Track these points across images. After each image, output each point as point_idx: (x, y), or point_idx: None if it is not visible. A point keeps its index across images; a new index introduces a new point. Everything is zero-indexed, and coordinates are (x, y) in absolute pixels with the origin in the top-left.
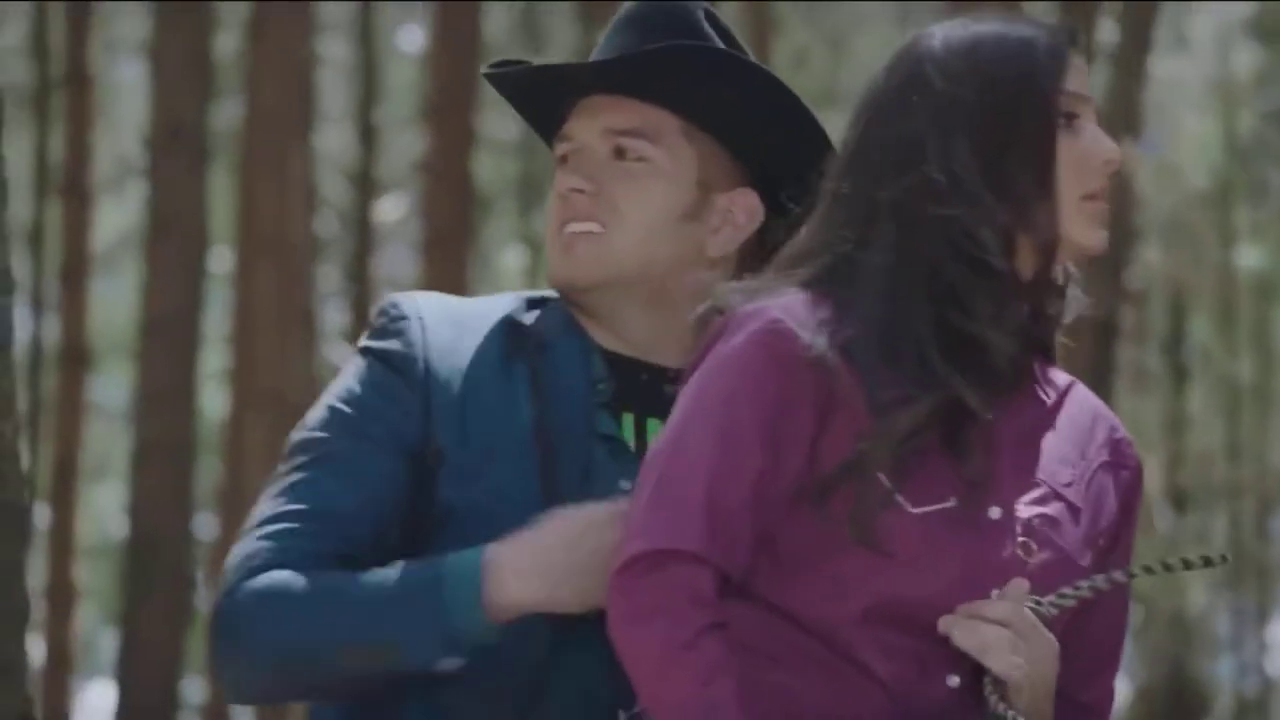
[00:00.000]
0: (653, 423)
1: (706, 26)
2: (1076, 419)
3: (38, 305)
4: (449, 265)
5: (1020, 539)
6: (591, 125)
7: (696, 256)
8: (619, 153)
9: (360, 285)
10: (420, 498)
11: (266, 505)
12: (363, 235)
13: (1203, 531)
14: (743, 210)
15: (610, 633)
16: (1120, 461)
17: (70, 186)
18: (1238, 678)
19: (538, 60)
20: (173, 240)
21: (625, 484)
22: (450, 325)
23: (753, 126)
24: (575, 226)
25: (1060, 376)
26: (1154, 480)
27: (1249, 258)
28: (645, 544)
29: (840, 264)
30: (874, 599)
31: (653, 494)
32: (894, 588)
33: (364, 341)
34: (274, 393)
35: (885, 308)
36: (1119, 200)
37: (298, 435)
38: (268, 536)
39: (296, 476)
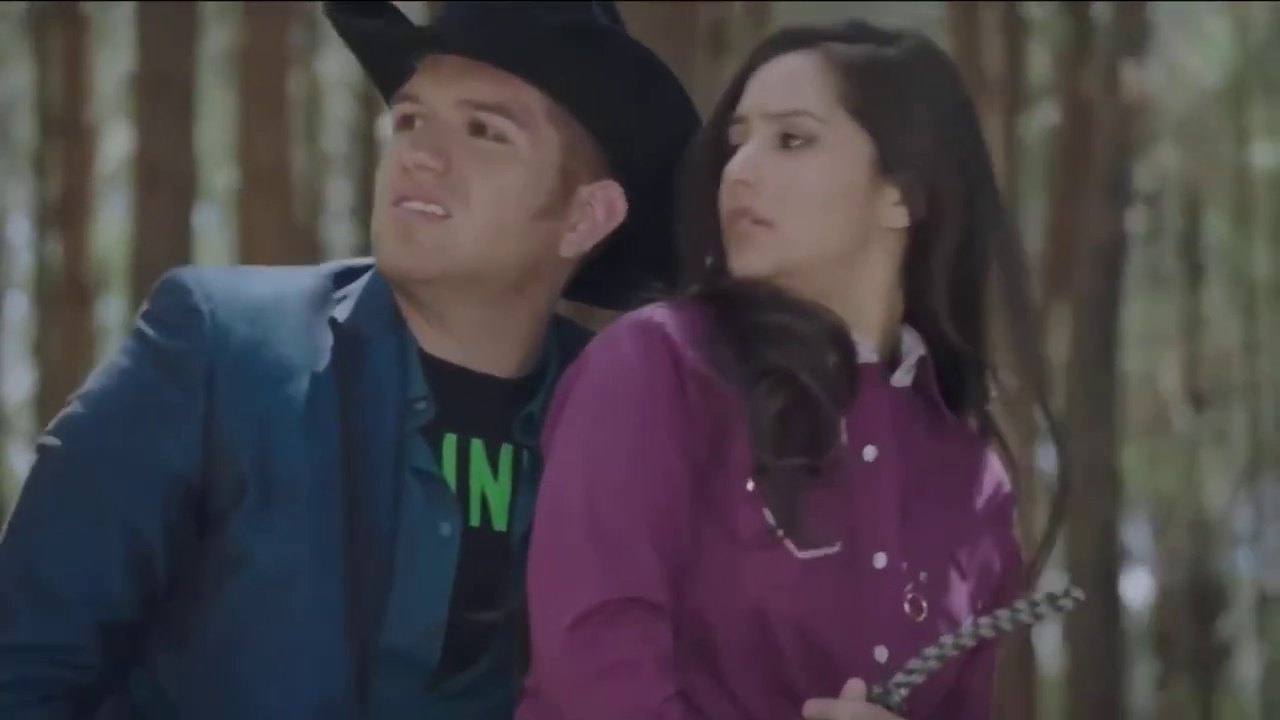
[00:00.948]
0: (476, 444)
1: None
2: (977, 469)
3: (41, 236)
4: None
5: (909, 595)
6: (446, 91)
7: (547, 254)
8: (476, 128)
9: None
10: (196, 524)
11: (10, 557)
12: (370, 151)
13: (1221, 429)
14: (603, 205)
15: (553, 692)
16: (1002, 518)
17: (68, 122)
18: (1259, 571)
19: None
20: (161, 189)
21: (445, 528)
22: (246, 320)
23: (627, 113)
24: (416, 205)
25: (965, 431)
26: (1171, 381)
27: (1264, 155)
28: (603, 593)
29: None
30: (758, 604)
31: (594, 543)
32: (777, 606)
33: (142, 324)
34: None
35: (718, 328)
36: (1119, 109)
37: (52, 441)
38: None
39: (40, 532)
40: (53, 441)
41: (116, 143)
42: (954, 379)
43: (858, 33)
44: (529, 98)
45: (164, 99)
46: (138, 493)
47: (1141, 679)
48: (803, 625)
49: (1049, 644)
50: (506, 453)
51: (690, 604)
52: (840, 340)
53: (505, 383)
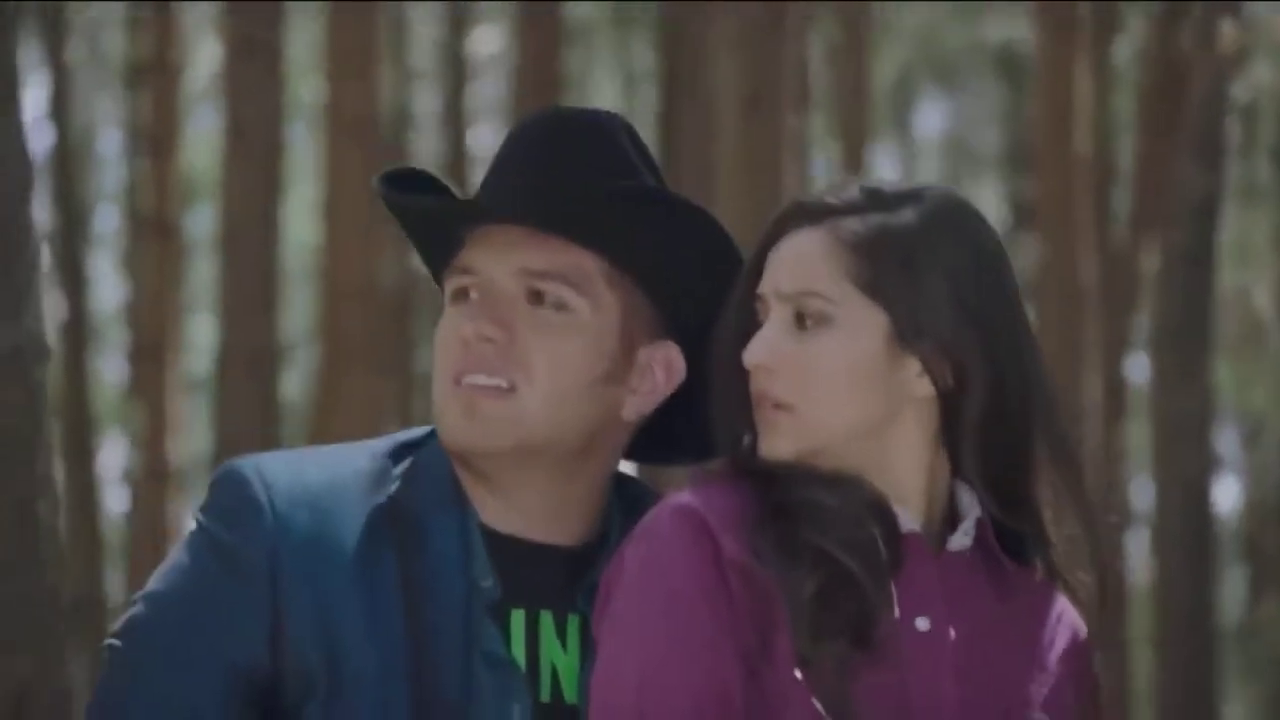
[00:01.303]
0: (545, 617)
1: (628, 145)
2: (1049, 621)
3: (133, 151)
4: (542, 95)
5: None
6: (502, 261)
7: (610, 419)
8: (535, 297)
9: (457, 117)
10: (267, 717)
11: None
12: (458, 68)
13: None
14: (662, 366)
15: None
16: (1078, 663)
17: (159, 63)
18: None
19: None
20: (250, 149)
21: (516, 710)
22: (306, 508)
23: (684, 273)
24: (479, 379)
25: (1032, 582)
26: (1264, 294)
27: None
28: None
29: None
30: None
31: (659, 713)
32: None
33: (202, 518)
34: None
35: (758, 516)
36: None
37: (117, 644)
38: None
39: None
40: (117, 645)
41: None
42: (1016, 532)
43: (869, 202)
44: (587, 263)
45: (254, 63)
46: (202, 691)
47: (1232, 588)
48: None
49: (1138, 555)
50: (574, 623)
51: None
52: (879, 510)
53: (569, 550)
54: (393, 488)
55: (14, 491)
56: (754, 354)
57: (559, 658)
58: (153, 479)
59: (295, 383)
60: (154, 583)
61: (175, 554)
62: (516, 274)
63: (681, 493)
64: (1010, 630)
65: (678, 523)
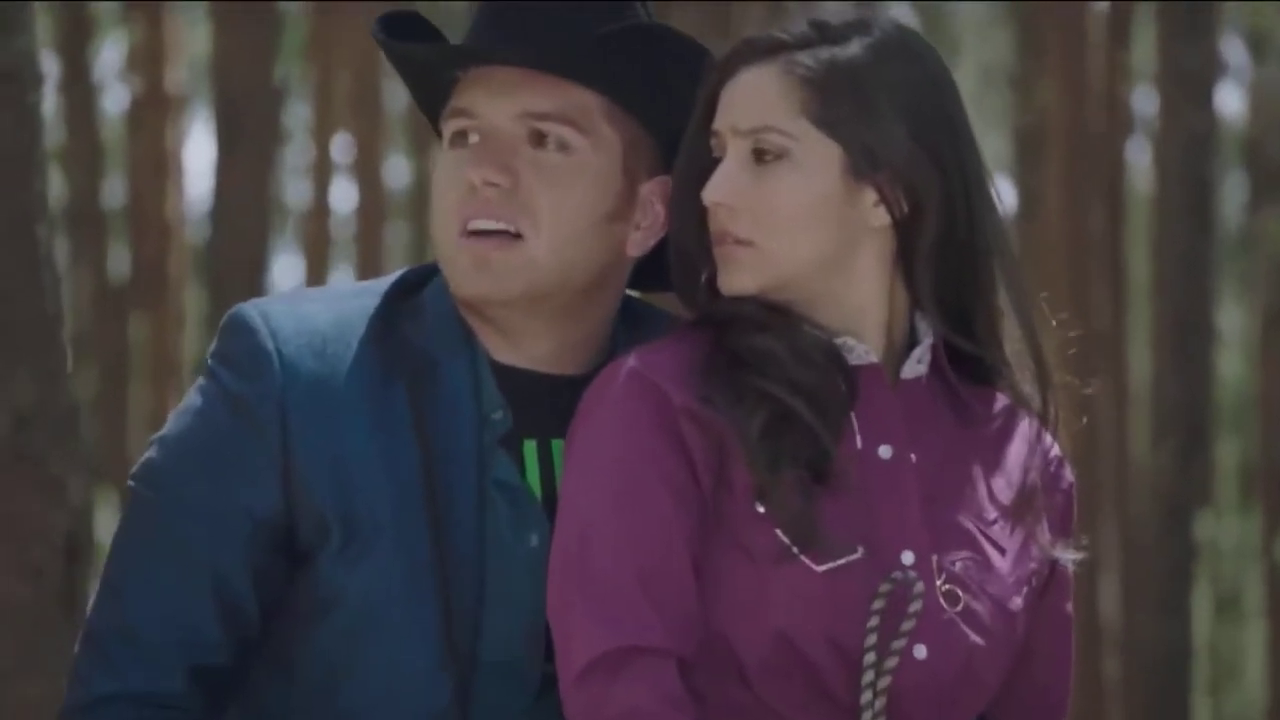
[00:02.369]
0: (557, 444)
1: None
2: (1008, 447)
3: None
4: None
5: (944, 586)
6: (502, 104)
7: (616, 256)
8: (537, 139)
9: None
10: (285, 563)
11: (108, 606)
12: None
13: None
14: (663, 200)
15: None
16: (1054, 486)
17: None
18: None
19: None
20: None
21: (534, 538)
22: (313, 353)
23: (682, 107)
24: (485, 224)
25: (996, 402)
26: None
27: None
28: (599, 647)
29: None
30: (782, 624)
31: (585, 596)
32: (804, 623)
33: (213, 364)
34: None
35: (709, 358)
36: None
37: (136, 488)
38: (108, 669)
39: (131, 581)
40: (137, 489)
41: None
42: (976, 358)
43: (819, 35)
44: (587, 101)
45: None
46: (221, 539)
47: (1232, 193)
48: (833, 636)
49: (1140, 168)
50: None
51: (717, 628)
52: (824, 349)
53: (578, 378)
54: (402, 326)
55: (10, 214)
56: (713, 192)
57: None
58: (151, 103)
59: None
60: (170, 426)
61: (190, 399)
62: (518, 117)
63: (631, 355)
64: (972, 453)
65: (622, 382)
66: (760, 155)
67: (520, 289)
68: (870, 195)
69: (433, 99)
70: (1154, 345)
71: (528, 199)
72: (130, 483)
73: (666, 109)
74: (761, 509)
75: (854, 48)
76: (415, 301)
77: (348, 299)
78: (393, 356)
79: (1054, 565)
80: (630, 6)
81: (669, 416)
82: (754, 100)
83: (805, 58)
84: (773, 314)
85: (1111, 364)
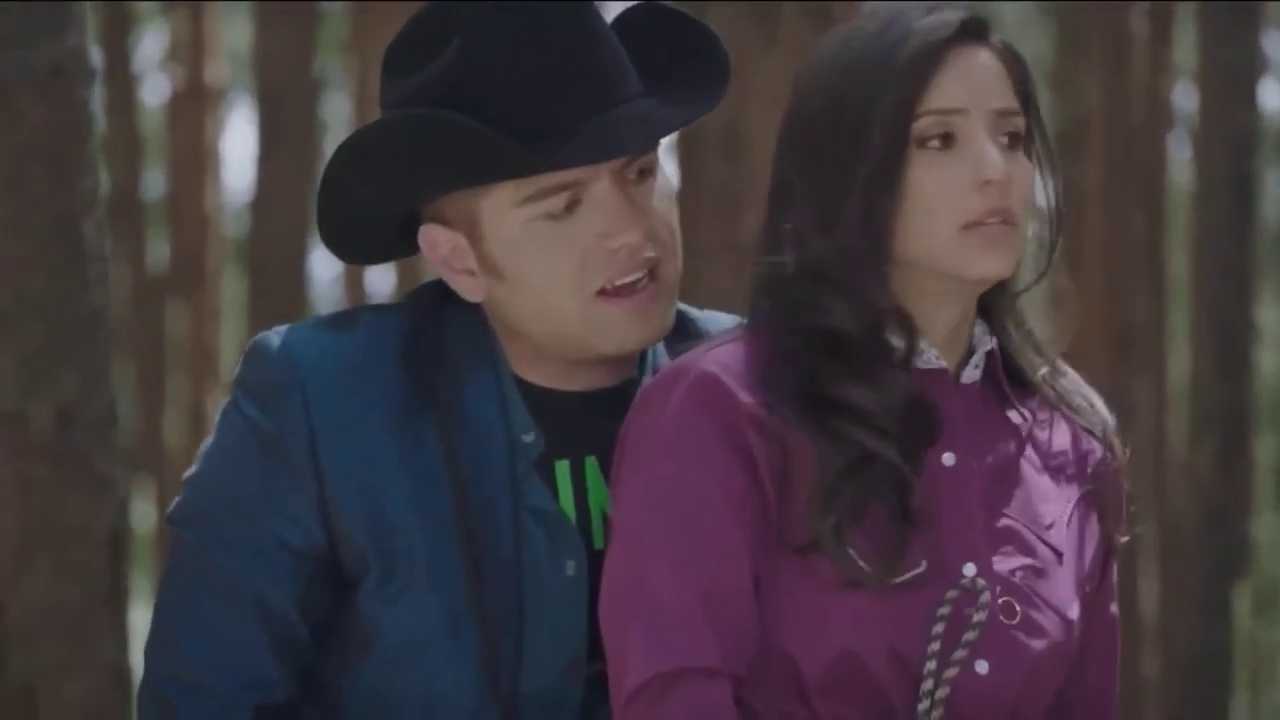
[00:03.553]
0: (590, 463)
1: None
2: (1054, 447)
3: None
4: None
5: (1001, 599)
6: (608, 164)
7: None
8: (642, 174)
9: None
10: (331, 592)
11: (164, 653)
12: None
13: None
14: None
15: None
16: (1101, 479)
17: None
18: None
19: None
20: None
21: (571, 566)
22: (340, 382)
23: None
24: (632, 277)
25: (1034, 401)
26: None
27: None
28: (651, 668)
29: (763, 314)
30: (847, 646)
31: (641, 614)
32: (868, 641)
33: (239, 395)
34: None
35: (780, 369)
36: None
37: (177, 531)
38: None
39: (182, 625)
40: (177, 532)
41: None
42: (1017, 361)
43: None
44: None
45: None
46: (266, 574)
47: (1273, 190)
48: (896, 651)
49: (1182, 165)
50: None
51: (778, 645)
52: (917, 400)
53: (606, 391)
54: (426, 350)
55: (59, 209)
56: (999, 168)
57: (608, 502)
58: (191, 95)
59: None
60: (203, 466)
61: (219, 433)
62: (624, 166)
63: (692, 356)
64: (1025, 457)
65: (687, 391)
66: (1002, 138)
67: (671, 323)
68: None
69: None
70: (1194, 343)
71: (661, 235)
72: (170, 525)
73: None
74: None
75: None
76: (438, 322)
77: (370, 323)
78: (420, 382)
79: (1105, 567)
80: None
81: (736, 422)
82: (998, 81)
83: (999, 44)
84: (870, 332)
85: (1151, 361)
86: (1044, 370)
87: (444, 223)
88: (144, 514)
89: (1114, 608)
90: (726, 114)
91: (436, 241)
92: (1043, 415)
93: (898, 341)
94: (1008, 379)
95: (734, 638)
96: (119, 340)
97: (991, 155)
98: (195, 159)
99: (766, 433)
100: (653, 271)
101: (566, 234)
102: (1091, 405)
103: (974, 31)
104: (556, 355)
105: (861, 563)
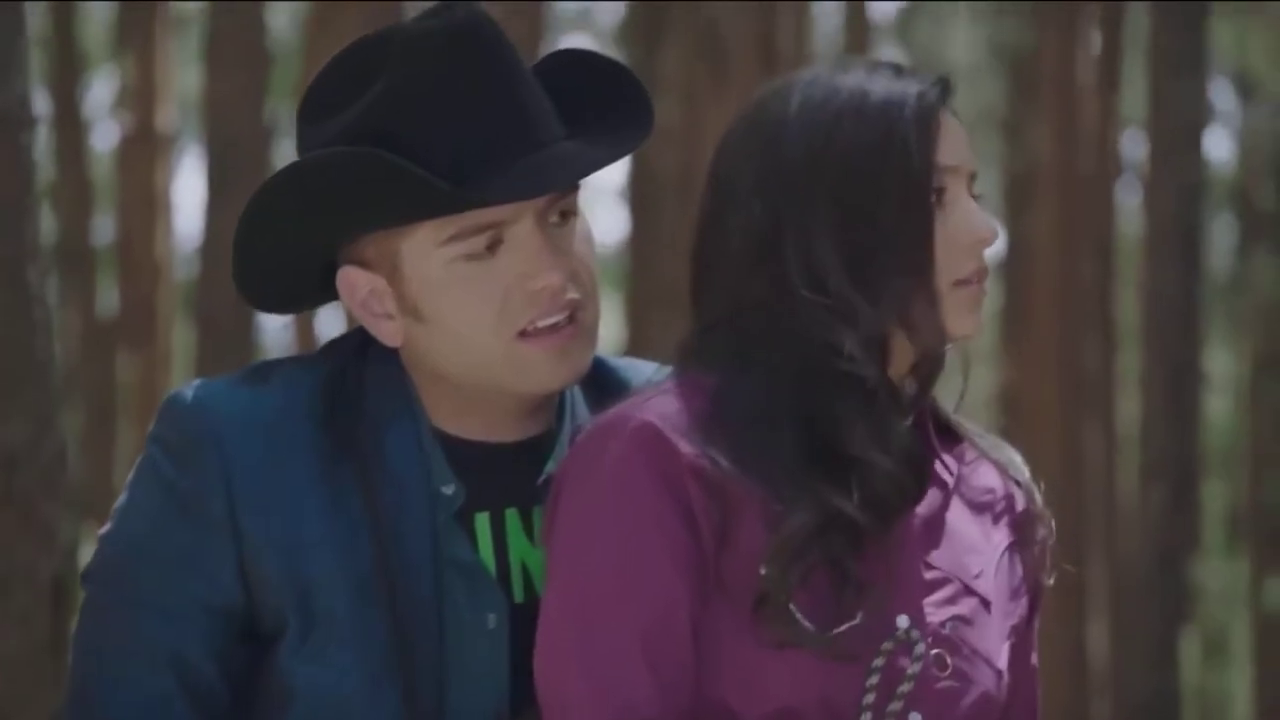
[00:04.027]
0: (510, 515)
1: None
2: (978, 496)
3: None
4: None
5: (933, 651)
6: (533, 206)
7: None
8: (564, 215)
9: None
10: (247, 649)
11: (80, 712)
12: None
13: None
14: None
15: None
16: (1026, 526)
17: None
18: None
19: None
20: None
21: (491, 619)
22: (258, 439)
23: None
24: (554, 319)
25: (958, 448)
26: None
27: None
28: (598, 714)
29: (710, 361)
30: (785, 702)
31: (583, 661)
32: (802, 694)
33: (155, 451)
34: None
35: (754, 426)
36: None
37: (91, 591)
38: None
39: (99, 685)
40: (90, 590)
41: None
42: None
43: None
44: None
45: None
46: (184, 633)
47: (1221, 238)
48: (829, 703)
49: (1130, 212)
50: (539, 516)
51: (715, 695)
52: (916, 464)
53: (525, 443)
54: (345, 403)
55: (2, 256)
56: (995, 229)
57: (529, 554)
58: (141, 141)
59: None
60: (119, 522)
61: (134, 490)
62: (548, 208)
63: (629, 405)
64: (953, 507)
65: (627, 440)
66: (976, 197)
67: (588, 365)
68: None
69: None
70: (1144, 389)
71: (582, 278)
72: (84, 584)
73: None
74: (765, 572)
75: None
76: (356, 374)
77: (287, 376)
78: (339, 435)
79: (1030, 616)
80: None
81: (676, 473)
82: (968, 144)
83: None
84: (887, 390)
85: (1101, 407)
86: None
87: (363, 264)
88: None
89: (1034, 658)
90: (679, 157)
91: (355, 284)
92: (969, 463)
93: (910, 389)
94: (934, 428)
95: (674, 685)
96: (69, 387)
97: (987, 216)
98: (145, 205)
99: (707, 484)
100: (573, 314)
101: (488, 274)
102: (1009, 456)
103: (945, 90)
104: (476, 399)
105: (804, 620)
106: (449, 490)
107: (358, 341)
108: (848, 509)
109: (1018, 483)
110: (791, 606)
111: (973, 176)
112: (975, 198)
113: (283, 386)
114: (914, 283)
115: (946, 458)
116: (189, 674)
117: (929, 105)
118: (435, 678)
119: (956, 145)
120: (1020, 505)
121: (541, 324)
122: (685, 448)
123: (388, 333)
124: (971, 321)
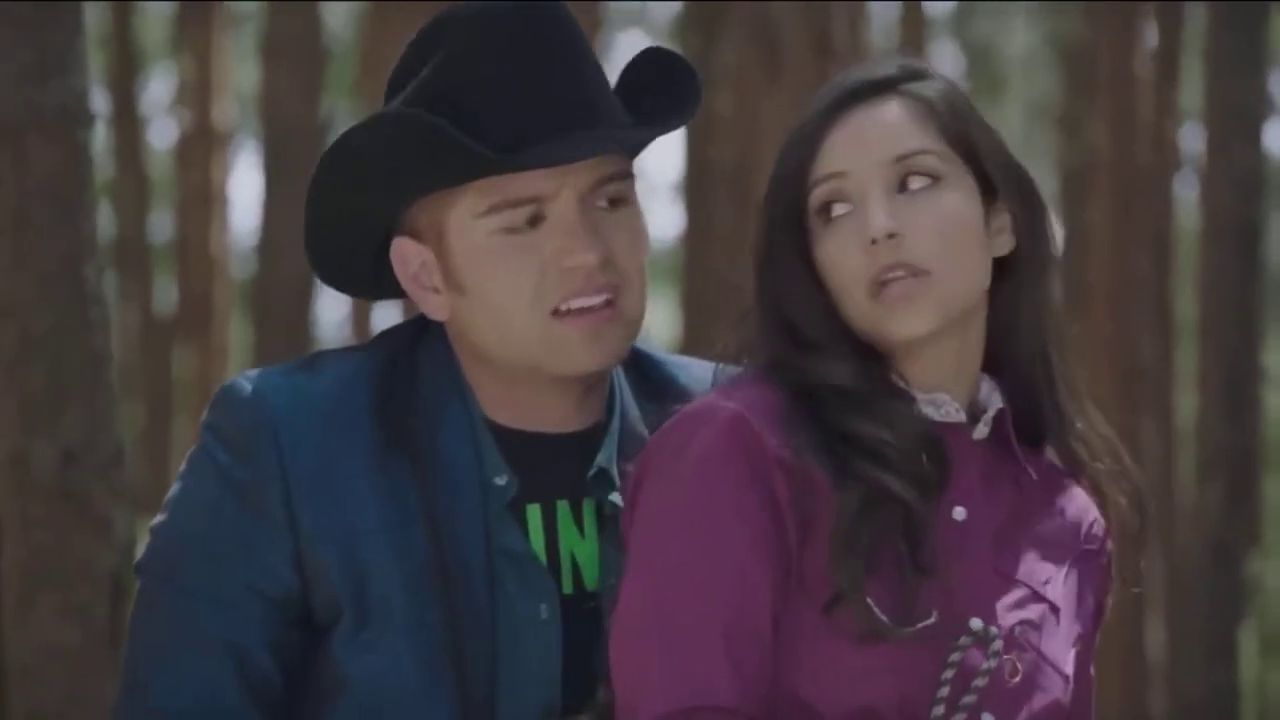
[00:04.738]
0: (561, 507)
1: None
2: (1059, 508)
3: None
4: None
5: (1005, 656)
6: (574, 182)
7: None
8: (611, 203)
9: None
10: (303, 638)
11: (135, 703)
12: None
13: None
14: None
15: None
16: (1098, 548)
17: None
18: None
19: None
20: None
21: (544, 610)
22: (312, 429)
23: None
24: (587, 301)
25: (1044, 462)
26: None
27: None
28: (672, 703)
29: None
30: (861, 701)
31: (663, 646)
32: (879, 692)
33: (210, 440)
34: None
35: (798, 411)
36: None
37: (147, 581)
38: None
39: (156, 674)
40: (144, 581)
41: None
42: (1030, 418)
43: (918, 71)
44: (626, 159)
45: None
46: (240, 622)
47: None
48: (906, 701)
49: (1188, 206)
50: (589, 509)
51: (792, 690)
52: (930, 441)
53: (576, 435)
54: (398, 392)
55: (61, 252)
56: (881, 223)
57: (578, 546)
58: (199, 137)
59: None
60: (172, 513)
61: (187, 480)
62: (592, 189)
63: (714, 395)
64: (1028, 513)
65: (713, 426)
66: (908, 183)
67: (624, 352)
68: (999, 222)
69: (415, 180)
70: (1201, 384)
71: (622, 264)
72: (137, 574)
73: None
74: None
75: (946, 83)
76: (411, 361)
77: (341, 367)
78: (393, 426)
79: (1094, 627)
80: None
81: (763, 464)
82: (894, 130)
83: (924, 89)
84: (871, 381)
85: (1158, 403)
86: (1069, 428)
87: (415, 236)
88: None
89: (1092, 669)
90: (734, 152)
91: (407, 256)
92: (1049, 472)
93: (900, 382)
94: (1018, 434)
95: (753, 677)
96: (126, 383)
97: (872, 213)
98: (202, 201)
99: (792, 476)
100: (611, 300)
101: (527, 249)
102: (1115, 466)
103: (861, 91)
104: (520, 382)
105: (880, 613)
106: (501, 481)
107: (410, 332)
108: (883, 479)
109: (1098, 499)
110: (868, 601)
111: (900, 159)
112: (923, 175)
113: (336, 376)
114: (808, 294)
115: (1029, 466)
116: (244, 663)
117: (813, 119)
118: (488, 668)
119: (845, 149)
120: (1095, 518)
121: (575, 305)
122: (771, 439)
123: (434, 306)
124: (906, 321)
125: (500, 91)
